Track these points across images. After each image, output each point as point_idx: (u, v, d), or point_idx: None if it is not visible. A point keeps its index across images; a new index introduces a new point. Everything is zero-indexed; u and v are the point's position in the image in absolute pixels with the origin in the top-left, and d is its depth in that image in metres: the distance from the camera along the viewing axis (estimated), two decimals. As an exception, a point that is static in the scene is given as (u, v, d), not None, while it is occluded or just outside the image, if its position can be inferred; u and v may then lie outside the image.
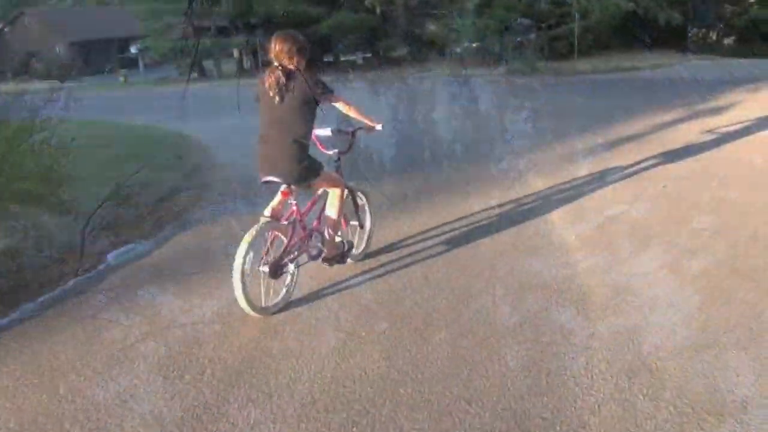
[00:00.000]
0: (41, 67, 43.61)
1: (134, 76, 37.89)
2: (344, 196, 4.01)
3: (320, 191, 4.03)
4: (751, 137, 8.18)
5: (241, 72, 33.32)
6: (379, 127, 4.13)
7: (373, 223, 4.62)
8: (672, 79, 16.33)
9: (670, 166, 6.88)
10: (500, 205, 5.78)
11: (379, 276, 4.28)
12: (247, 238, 3.48)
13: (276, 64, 3.56)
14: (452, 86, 18.17)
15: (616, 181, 6.42)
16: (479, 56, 25.56)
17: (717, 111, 10.37)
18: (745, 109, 10.42)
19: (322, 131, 4.09)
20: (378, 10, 29.50)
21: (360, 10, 28.58)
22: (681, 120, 9.76)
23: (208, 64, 34.46)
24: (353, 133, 4.20)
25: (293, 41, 3.58)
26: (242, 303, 3.50)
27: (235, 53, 36.21)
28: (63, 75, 39.90)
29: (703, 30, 40.89)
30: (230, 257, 3.54)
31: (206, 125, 13.37)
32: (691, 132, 8.74)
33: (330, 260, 4.05)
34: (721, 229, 4.80)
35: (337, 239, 4.07)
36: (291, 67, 3.56)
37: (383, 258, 4.59)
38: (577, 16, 21.41)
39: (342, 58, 37.06)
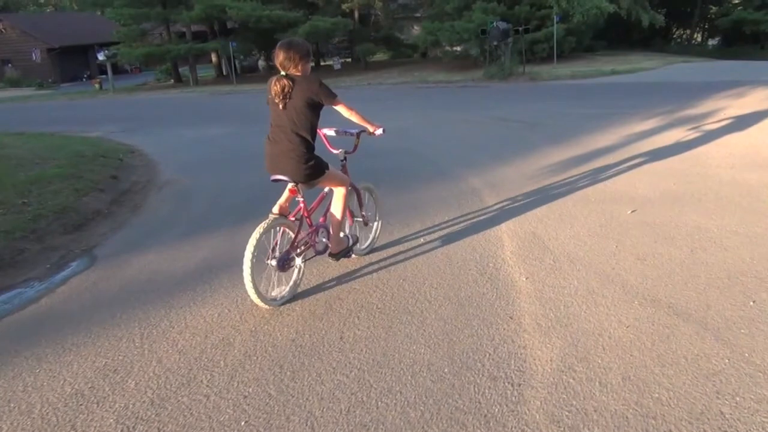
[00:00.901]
0: (17, 73, 42.73)
1: (107, 83, 37.06)
2: (348, 195, 4.22)
3: (327, 189, 4.25)
4: (731, 149, 7.57)
5: (220, 78, 32.63)
6: (379, 132, 4.21)
7: (380, 220, 4.95)
8: (653, 84, 15.78)
9: (640, 186, 6.23)
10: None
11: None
12: (256, 233, 3.67)
13: (282, 72, 3.69)
14: (414, 94, 17.56)
15: (579, 204, 5.76)
16: (459, 60, 25.03)
17: (696, 119, 9.77)
18: (726, 116, 9.84)
19: (328, 131, 4.33)
20: (356, 14, 28.82)
21: (337, 14, 27.87)
22: (656, 129, 9.14)
23: (185, 70, 33.72)
24: (358, 135, 4.36)
25: (297, 49, 3.70)
26: (251, 294, 3.70)
27: (214, 59, 35.56)
28: (39, 82, 39.10)
29: (688, 31, 40.66)
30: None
31: (165, 136, 12.75)
32: (665, 143, 8.14)
33: (335, 255, 4.28)
34: (700, 272, 4.14)
35: (342, 235, 4.28)
36: (297, 74, 3.70)
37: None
38: (556, 18, 20.83)
39: (323, 63, 36.46)
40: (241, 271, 3.67)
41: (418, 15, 31.00)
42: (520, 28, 19.19)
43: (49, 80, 41.24)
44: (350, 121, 4.07)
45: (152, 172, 8.98)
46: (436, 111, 13.12)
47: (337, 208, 4.17)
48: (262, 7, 26.37)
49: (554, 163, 7.49)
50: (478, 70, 20.92)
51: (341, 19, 27.11)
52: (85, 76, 43.53)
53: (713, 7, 39.78)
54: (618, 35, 33.03)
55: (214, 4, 25.42)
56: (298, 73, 3.71)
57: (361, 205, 4.66)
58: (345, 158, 4.43)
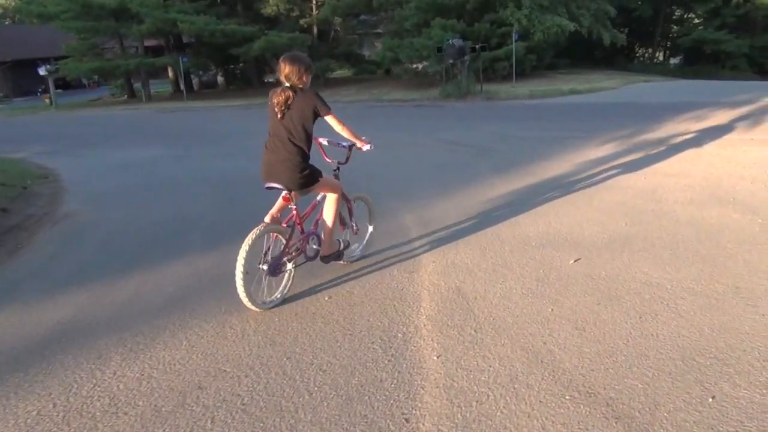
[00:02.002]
0: (-36, 88, 41.05)
1: (64, 97, 35.77)
2: (340, 201, 4.37)
3: (319, 196, 4.40)
4: (690, 180, 6.92)
5: (176, 93, 31.51)
6: (366, 147, 4.33)
7: (374, 228, 5.11)
8: (611, 104, 15.28)
9: (588, 226, 5.49)
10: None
11: None
12: (248, 239, 3.81)
13: (287, 84, 3.82)
14: (366, 113, 16.81)
15: (517, 250, 5.00)
16: (420, 78, 24.43)
17: (654, 145, 9.15)
18: (685, 141, 9.24)
19: (323, 140, 4.45)
20: (315, 30, 28.07)
21: (296, 29, 27.08)
22: (612, 156, 8.48)
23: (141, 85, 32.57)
24: (350, 148, 4.46)
25: (301, 62, 3.83)
26: (243, 298, 3.85)
27: (171, 74, 34.48)
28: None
29: (650, 50, 40.83)
30: None
31: (91, 159, 11.83)
32: (620, 173, 7.46)
33: (326, 258, 4.42)
34: (649, 350, 3.38)
35: (334, 239, 4.44)
36: (300, 85, 3.85)
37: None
38: (515, 36, 20.30)
39: (271, 80, 35.57)
40: (233, 275, 3.80)
41: (378, 31, 30.33)
42: (477, 46, 18.56)
43: (0, 94, 39.67)
44: (340, 133, 4.18)
45: (56, 202, 8.02)
46: (383, 133, 12.33)
47: (329, 213, 4.32)
48: (216, 21, 25.47)
49: (499, 197, 6.75)
50: (436, 89, 20.25)
51: (299, 34, 26.31)
52: (39, 90, 42.00)
53: (675, 27, 40.08)
54: (581, 53, 32.85)
55: (165, 18, 24.44)
56: (301, 85, 3.85)
57: (351, 214, 4.77)
58: (338, 168, 4.55)
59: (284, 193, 4.01)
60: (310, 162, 4.04)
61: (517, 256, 4.83)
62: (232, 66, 32.73)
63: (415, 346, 3.48)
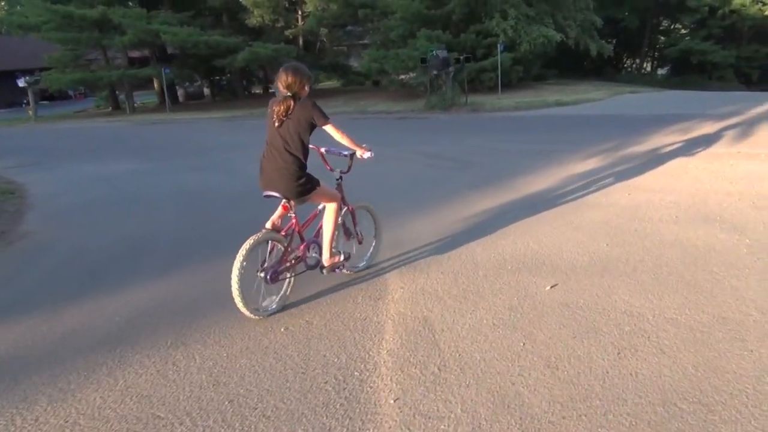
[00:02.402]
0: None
1: (49, 108, 35.40)
2: (340, 211, 4.34)
3: (321, 206, 4.33)
4: (676, 196, 6.66)
5: (162, 105, 31.14)
6: (367, 155, 4.31)
7: (380, 237, 5.04)
8: (597, 116, 15.08)
9: (567, 248, 5.20)
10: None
11: None
12: (246, 246, 3.80)
13: (289, 93, 3.80)
14: (348, 125, 16.56)
15: (491, 275, 4.70)
16: (406, 89, 24.22)
17: (639, 159, 8.90)
18: (672, 155, 9.00)
19: (323, 149, 4.44)
20: (300, 41, 27.83)
21: (281, 41, 26.83)
22: (596, 171, 8.22)
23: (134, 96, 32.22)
24: (351, 156, 4.45)
25: (302, 73, 3.84)
26: (238, 303, 3.82)
27: (156, 85, 34.14)
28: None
29: (638, 60, 40.90)
30: None
31: (63, 173, 11.52)
32: (604, 188, 7.20)
33: (327, 269, 4.36)
34: (628, 393, 3.07)
35: (334, 250, 4.38)
36: (302, 94, 3.86)
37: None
38: (500, 47, 20.13)
39: (255, 91, 35.30)
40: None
41: (365, 42, 30.14)
42: (461, 57, 18.35)
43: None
44: (340, 142, 4.17)
45: (17, 220, 7.66)
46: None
47: (328, 223, 4.28)
48: (200, 32, 25.19)
49: (477, 214, 6.46)
50: (422, 100, 20.01)
51: (284, 45, 26.06)
52: (24, 102, 41.49)
53: (662, 37, 40.17)
54: (569, 64, 32.82)
55: (147, 29, 24.13)
56: (300, 96, 3.86)
57: (355, 223, 4.75)
58: (341, 177, 4.53)
59: (283, 201, 4.02)
60: (312, 171, 4.08)
61: (491, 281, 4.53)
62: (217, 77, 32.44)
63: (371, 387, 3.17)
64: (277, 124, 3.86)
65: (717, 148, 9.38)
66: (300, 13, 27.62)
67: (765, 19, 33.06)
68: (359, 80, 33.26)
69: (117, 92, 31.64)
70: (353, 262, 4.79)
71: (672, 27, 40.15)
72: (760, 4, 33.15)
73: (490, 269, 4.80)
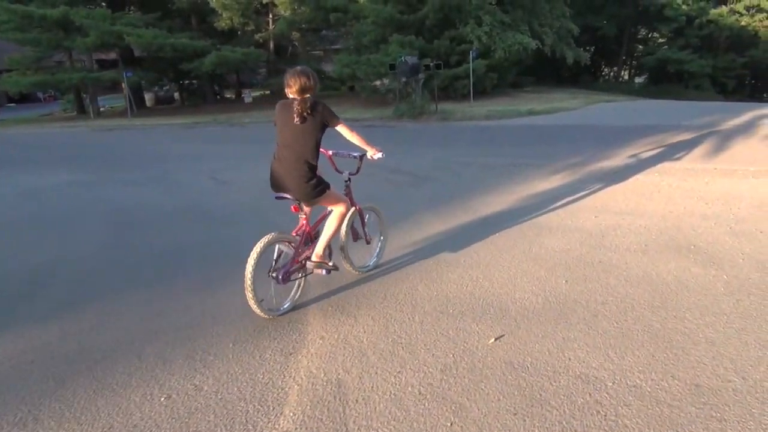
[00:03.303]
0: None
1: (15, 111, 34.28)
2: (347, 215, 4.36)
3: (329, 208, 4.30)
4: (646, 220, 6.05)
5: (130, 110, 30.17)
6: (378, 155, 4.31)
7: (385, 238, 5.07)
8: (569, 127, 14.52)
9: (521, 284, 4.54)
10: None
11: None
12: (257, 247, 3.84)
13: (298, 97, 3.82)
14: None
15: (428, 322, 4.02)
16: (379, 96, 23.55)
17: (609, 176, 8.30)
18: (644, 172, 8.41)
19: (331, 152, 4.46)
20: (271, 45, 27.06)
21: (252, 44, 26.04)
22: (562, 189, 7.60)
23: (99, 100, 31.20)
24: (361, 158, 4.48)
25: (312, 76, 3.87)
26: (251, 304, 3.90)
27: (125, 89, 33.12)
28: None
29: (615, 69, 40.72)
30: None
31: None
32: (569, 210, 6.56)
33: (313, 264, 4.25)
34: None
35: (329, 251, 4.35)
36: (307, 97, 3.83)
37: None
38: (472, 54, 19.54)
39: (227, 95, 34.41)
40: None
41: (338, 47, 29.44)
42: (431, 63, 17.71)
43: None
44: (350, 143, 4.22)
45: None
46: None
47: (332, 222, 4.24)
48: (166, 35, 24.31)
49: (426, 240, 5.77)
50: (393, 107, 19.35)
51: (254, 50, 25.28)
52: (-9, 105, 40.23)
53: (640, 46, 40.05)
54: (547, 72, 32.45)
55: (110, 30, 23.20)
56: (311, 97, 3.85)
57: (363, 224, 4.77)
58: (349, 179, 4.53)
59: (293, 203, 4.04)
60: (322, 175, 4.10)
61: (427, 330, 3.83)
62: (186, 81, 31.51)
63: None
64: (298, 121, 3.84)
65: (692, 164, 8.81)
66: (271, 16, 26.82)
67: (741, 29, 33.03)
68: (336, 85, 32.54)
69: (84, 95, 30.59)
70: (361, 263, 4.87)
71: (650, 36, 40.09)
72: (737, 15, 33.12)
73: (428, 313, 4.11)
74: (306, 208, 4.18)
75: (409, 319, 4.03)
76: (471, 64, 19.94)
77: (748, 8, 33.79)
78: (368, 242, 4.91)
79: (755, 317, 3.78)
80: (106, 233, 6.91)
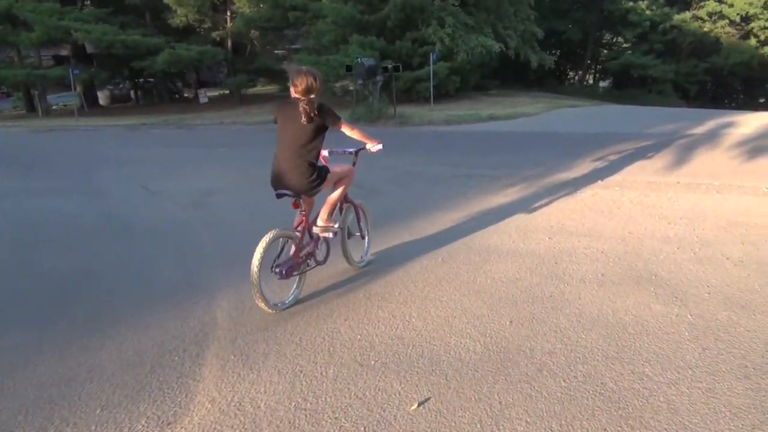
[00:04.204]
0: None
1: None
2: (347, 210, 4.73)
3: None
4: (603, 244, 5.50)
5: (83, 108, 28.91)
6: (376, 148, 4.45)
7: (370, 234, 5.18)
8: (529, 134, 14.04)
9: (456, 327, 3.93)
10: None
11: None
12: (262, 243, 3.91)
13: (303, 97, 3.90)
14: (250, 140, 14.99)
15: (336, 384, 3.40)
16: (340, 98, 22.85)
17: (566, 190, 7.77)
18: (603, 185, 7.89)
19: (324, 152, 4.50)
20: (229, 43, 26.14)
21: (208, 42, 25.09)
22: (515, 205, 7.04)
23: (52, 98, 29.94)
24: (356, 153, 4.64)
25: (314, 77, 3.95)
26: (257, 300, 4.00)
27: (77, 87, 31.82)
28: None
29: (580, 72, 40.70)
30: None
31: None
32: (521, 232, 5.98)
33: (320, 228, 4.42)
34: None
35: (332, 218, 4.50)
36: (312, 97, 3.94)
37: None
38: (432, 57, 18.98)
39: (186, 95, 33.33)
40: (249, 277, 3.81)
41: (297, 47, 28.65)
42: (390, 66, 17.08)
43: None
44: (349, 140, 4.37)
45: None
46: (253, 166, 10.57)
47: (335, 193, 4.44)
48: (117, 31, 23.23)
49: (351, 270, 5.10)
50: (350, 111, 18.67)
51: (210, 48, 24.36)
52: None
53: (604, 50, 40.09)
54: (512, 75, 32.13)
55: (57, 25, 22.06)
56: (314, 97, 3.94)
57: (359, 219, 4.89)
58: None
59: (293, 200, 4.11)
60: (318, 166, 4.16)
61: (340, 390, 3.19)
62: (142, 80, 30.37)
63: None
64: (305, 120, 3.89)
65: (654, 177, 8.34)
66: (229, 13, 25.90)
67: (704, 35, 33.21)
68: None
69: (33, 93, 29.24)
70: (356, 260, 4.92)
71: (614, 40, 40.14)
72: (700, 21, 33.29)
73: (346, 365, 3.46)
74: (305, 205, 4.23)
75: (322, 373, 3.38)
76: (431, 66, 19.37)
77: (710, 14, 34.00)
78: (363, 237, 5.04)
79: (725, 373, 3.22)
80: (16, 251, 6.12)
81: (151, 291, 4.80)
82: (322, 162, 4.35)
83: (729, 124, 14.07)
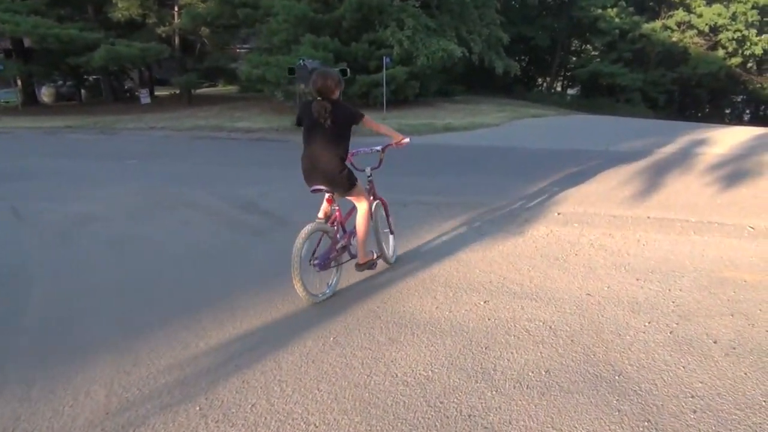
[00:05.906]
0: None
1: None
2: (370, 211, 4.49)
3: (355, 204, 4.44)
4: (557, 301, 4.19)
5: (26, 107, 26.85)
6: (406, 140, 4.56)
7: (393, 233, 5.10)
8: (486, 149, 12.73)
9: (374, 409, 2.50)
10: None
11: None
12: (302, 235, 4.00)
13: (320, 97, 3.98)
14: (180, 150, 13.51)
15: None
16: (290, 102, 21.33)
17: (515, 225, 6.46)
18: (560, 221, 6.60)
19: (351, 152, 4.40)
20: (176, 41, 24.42)
21: (152, 39, 23.35)
22: (456, 242, 5.69)
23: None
24: (383, 150, 4.66)
25: (333, 77, 4.04)
26: (298, 290, 4.08)
27: (18, 82, 29.76)
28: None
29: (548, 80, 39.81)
30: None
31: None
32: (448, 292, 4.60)
33: (361, 266, 4.54)
34: None
35: (368, 249, 4.55)
36: (333, 97, 4.03)
37: None
38: (385, 60, 17.61)
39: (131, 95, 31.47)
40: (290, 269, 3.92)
41: (249, 47, 27.05)
42: (338, 69, 15.64)
43: None
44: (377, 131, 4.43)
45: None
46: (159, 185, 9.08)
47: (360, 223, 4.41)
48: (51, 24, 21.37)
49: (218, 349, 3.67)
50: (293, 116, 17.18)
51: (154, 45, 22.63)
52: None
53: (573, 58, 39.28)
54: (478, 81, 30.98)
55: (-20, 16, 20.14)
56: (334, 97, 4.03)
57: (387, 215, 4.96)
58: (371, 174, 4.67)
59: (327, 195, 4.17)
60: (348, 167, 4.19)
61: None
62: (85, 77, 28.41)
63: None
64: (321, 120, 3.94)
65: (620, 209, 7.06)
66: (176, 9, 24.20)
67: (673, 45, 32.57)
68: (259, 87, 30.06)
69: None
70: (387, 257, 4.88)
71: (583, 48, 39.37)
72: (669, 31, 32.65)
73: None
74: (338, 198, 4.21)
75: None
76: (384, 71, 17.99)
77: (679, 24, 33.36)
78: (392, 233, 5.06)
79: None
80: None
81: None
82: (350, 162, 4.29)
83: (701, 142, 12.98)
